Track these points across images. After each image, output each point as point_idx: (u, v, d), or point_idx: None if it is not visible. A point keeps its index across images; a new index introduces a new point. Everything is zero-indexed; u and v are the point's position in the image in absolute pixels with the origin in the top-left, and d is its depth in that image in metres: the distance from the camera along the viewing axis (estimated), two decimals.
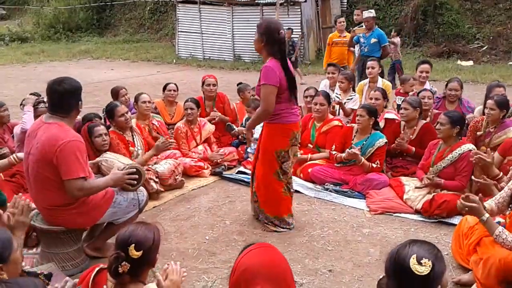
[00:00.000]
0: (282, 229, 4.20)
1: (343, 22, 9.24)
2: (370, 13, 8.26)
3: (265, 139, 4.05)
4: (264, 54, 3.95)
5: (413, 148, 5.10)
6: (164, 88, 6.44)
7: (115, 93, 6.20)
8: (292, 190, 4.32)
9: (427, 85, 6.41)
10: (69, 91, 3.23)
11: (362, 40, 8.23)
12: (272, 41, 3.84)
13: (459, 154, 4.44)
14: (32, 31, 22.66)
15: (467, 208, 3.04)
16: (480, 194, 3.16)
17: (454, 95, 5.78)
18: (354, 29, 8.49)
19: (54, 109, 3.29)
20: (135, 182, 3.57)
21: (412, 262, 1.83)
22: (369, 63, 6.72)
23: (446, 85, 5.95)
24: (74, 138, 3.19)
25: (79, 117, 5.05)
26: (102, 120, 5.40)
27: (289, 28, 12.87)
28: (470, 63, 14.06)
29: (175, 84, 6.54)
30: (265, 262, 1.90)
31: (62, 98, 3.24)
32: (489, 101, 4.83)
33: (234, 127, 6.25)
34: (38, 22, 23.21)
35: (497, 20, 15.24)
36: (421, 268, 1.83)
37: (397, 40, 11.03)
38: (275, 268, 1.89)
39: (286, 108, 3.94)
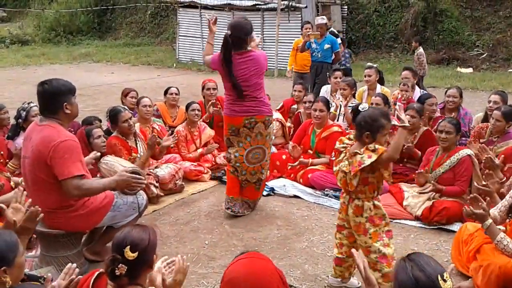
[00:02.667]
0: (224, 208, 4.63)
1: (309, 28, 9.18)
2: (322, 20, 8.42)
3: None
4: None
5: (419, 152, 5.10)
6: (166, 92, 6.46)
7: (126, 93, 6.24)
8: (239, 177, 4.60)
9: (417, 91, 6.44)
10: (50, 92, 3.19)
11: (314, 46, 8.28)
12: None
13: (457, 159, 4.45)
14: (33, 33, 22.67)
15: (474, 215, 3.08)
16: (488, 199, 3.21)
17: (451, 101, 5.78)
18: (309, 33, 8.48)
19: (41, 110, 3.31)
20: (143, 185, 3.54)
21: (441, 283, 1.79)
22: (366, 71, 6.75)
23: (446, 93, 5.96)
24: (67, 138, 3.17)
25: (78, 120, 5.07)
26: (102, 123, 5.41)
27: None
28: (470, 70, 14.11)
29: (177, 87, 6.56)
30: (249, 273, 1.89)
31: (45, 99, 3.22)
32: (497, 112, 4.83)
33: None
34: (39, 25, 23.22)
35: (497, 28, 15.30)
36: (448, 283, 1.80)
37: (420, 51, 10.16)
38: (258, 280, 1.87)
39: (226, 101, 4.49)
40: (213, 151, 5.87)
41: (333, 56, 8.39)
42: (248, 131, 4.41)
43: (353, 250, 2.34)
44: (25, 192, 2.86)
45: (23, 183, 3.81)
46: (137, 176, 3.47)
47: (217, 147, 6.11)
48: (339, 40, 8.79)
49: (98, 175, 4.22)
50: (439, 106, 6.02)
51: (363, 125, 3.02)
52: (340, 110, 6.41)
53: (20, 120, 4.74)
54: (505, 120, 4.78)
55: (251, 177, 4.58)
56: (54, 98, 3.21)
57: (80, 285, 2.29)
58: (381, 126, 3.00)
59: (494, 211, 3.40)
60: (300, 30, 14.68)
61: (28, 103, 4.84)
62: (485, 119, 5.43)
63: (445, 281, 1.80)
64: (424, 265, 1.85)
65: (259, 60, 4.33)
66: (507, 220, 3.32)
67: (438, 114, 5.81)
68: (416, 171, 4.67)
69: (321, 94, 6.90)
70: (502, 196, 3.62)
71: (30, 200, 2.81)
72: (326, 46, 8.25)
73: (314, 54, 8.34)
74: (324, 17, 8.58)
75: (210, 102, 6.18)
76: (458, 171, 4.45)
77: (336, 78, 6.80)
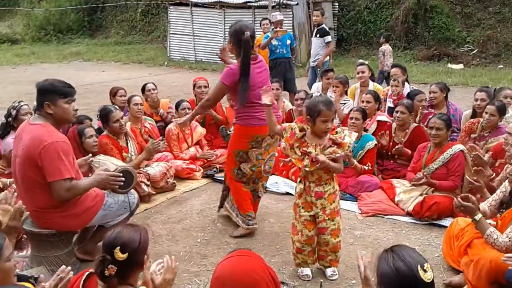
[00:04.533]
0: (246, 227, 4.18)
1: (267, 24, 9.07)
2: (280, 16, 8.52)
3: (231, 137, 4.29)
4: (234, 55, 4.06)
5: (409, 151, 5.11)
6: (144, 89, 6.34)
7: (114, 93, 6.16)
8: (259, 194, 4.37)
9: (407, 87, 6.47)
10: (37, 88, 3.25)
11: (276, 42, 8.31)
12: (237, 42, 3.89)
13: (450, 155, 4.46)
14: (23, 32, 22.48)
15: (463, 208, 3.11)
16: (478, 195, 3.24)
17: (432, 97, 5.84)
18: (276, 30, 8.24)
19: (36, 107, 3.32)
20: (121, 184, 3.51)
21: (421, 273, 1.81)
22: (358, 68, 6.76)
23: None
24: (58, 139, 3.16)
25: None
26: (93, 122, 5.37)
27: None
28: (460, 66, 14.16)
29: (153, 83, 6.47)
30: (235, 272, 1.89)
31: (36, 95, 3.26)
32: (491, 107, 4.82)
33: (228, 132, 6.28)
34: (28, 23, 23.02)
35: (487, 24, 15.37)
36: (428, 274, 1.82)
37: (385, 47, 9.87)
38: (246, 280, 1.87)
39: (248, 111, 3.96)
40: (208, 158, 5.82)
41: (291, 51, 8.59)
42: (271, 138, 4.12)
43: (358, 252, 2.36)
44: (15, 194, 2.83)
45: (13, 184, 3.78)
46: (115, 173, 3.45)
47: (207, 144, 6.10)
48: (329, 38, 8.75)
49: (90, 175, 4.18)
50: (429, 102, 6.04)
51: (306, 111, 3.28)
52: None
53: (10, 119, 4.70)
54: (499, 114, 4.80)
55: (259, 186, 4.36)
56: (38, 95, 3.25)
57: (70, 286, 2.27)
58: (318, 111, 3.17)
59: (484, 205, 3.43)
60: (291, 27, 14.78)
61: (19, 102, 4.80)
62: (474, 115, 5.46)
63: (425, 271, 1.82)
64: (405, 255, 1.87)
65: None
66: (498, 215, 3.35)
67: (426, 110, 5.83)
68: (412, 174, 4.65)
69: (312, 91, 6.90)
70: (492, 191, 3.64)
71: (20, 201, 2.79)
72: (288, 41, 8.38)
73: (277, 51, 8.35)
74: (281, 13, 8.65)
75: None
76: (451, 166, 4.46)
77: (328, 79, 6.80)
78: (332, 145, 3.23)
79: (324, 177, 3.30)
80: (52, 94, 3.21)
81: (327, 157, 3.19)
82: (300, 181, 3.39)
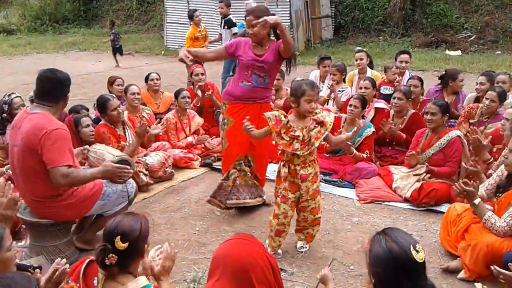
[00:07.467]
0: None
1: (199, 16, 9.02)
2: (254, 3, 8.42)
3: None
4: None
5: (404, 135, 5.11)
6: (147, 79, 6.38)
7: (112, 81, 6.16)
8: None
9: (407, 74, 6.44)
10: (61, 80, 3.29)
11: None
12: None
13: (447, 140, 4.47)
14: (18, 23, 22.28)
15: (465, 192, 3.19)
16: (477, 181, 3.27)
17: (462, 85, 5.83)
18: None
19: (43, 97, 3.27)
20: (130, 175, 3.50)
21: (414, 253, 1.84)
22: (357, 55, 6.72)
23: (453, 76, 5.86)
24: (58, 127, 3.17)
25: (65, 109, 5.00)
26: (89, 112, 5.36)
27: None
28: (458, 52, 14.11)
29: (157, 73, 6.48)
30: (231, 254, 1.90)
31: (54, 86, 3.26)
32: (492, 93, 4.80)
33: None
34: (24, 14, 22.82)
35: (485, 10, 15.29)
36: (421, 254, 1.87)
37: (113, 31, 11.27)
38: (239, 263, 1.87)
39: None
40: (203, 142, 5.83)
41: None
42: (223, 120, 4.44)
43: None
44: (12, 186, 2.83)
45: (9, 170, 3.78)
46: (122, 166, 3.43)
47: (205, 133, 6.09)
48: (235, 29, 8.73)
49: (86, 164, 4.18)
50: (435, 88, 6.02)
51: (290, 92, 3.42)
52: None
53: (4, 115, 4.61)
54: (500, 100, 4.79)
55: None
56: (62, 87, 3.30)
57: (71, 272, 2.27)
58: (302, 91, 3.27)
59: (480, 189, 3.44)
60: (288, 15, 14.69)
61: (9, 96, 4.68)
62: (477, 99, 5.45)
63: (417, 251, 1.86)
64: (398, 237, 1.91)
65: None
66: (494, 199, 3.37)
67: (423, 97, 5.82)
68: (408, 153, 4.67)
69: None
70: (489, 177, 3.66)
71: (17, 193, 2.79)
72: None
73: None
74: (254, 1, 8.64)
75: (197, 85, 6.14)
76: (448, 152, 4.47)
77: (325, 66, 6.77)
78: (316, 125, 3.33)
79: (309, 159, 3.41)
80: (69, 84, 3.37)
81: (315, 137, 3.32)
82: (283, 165, 3.46)
